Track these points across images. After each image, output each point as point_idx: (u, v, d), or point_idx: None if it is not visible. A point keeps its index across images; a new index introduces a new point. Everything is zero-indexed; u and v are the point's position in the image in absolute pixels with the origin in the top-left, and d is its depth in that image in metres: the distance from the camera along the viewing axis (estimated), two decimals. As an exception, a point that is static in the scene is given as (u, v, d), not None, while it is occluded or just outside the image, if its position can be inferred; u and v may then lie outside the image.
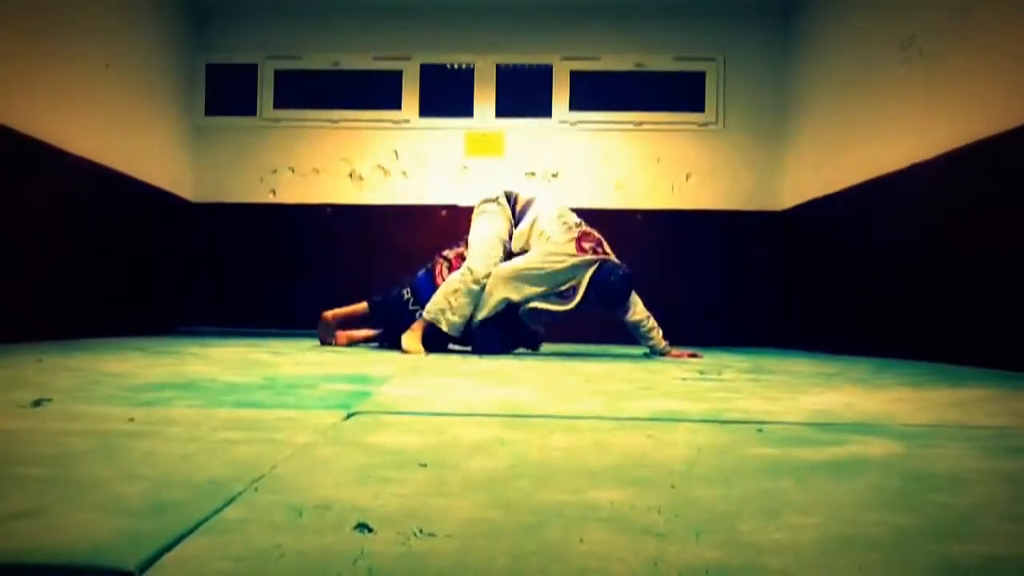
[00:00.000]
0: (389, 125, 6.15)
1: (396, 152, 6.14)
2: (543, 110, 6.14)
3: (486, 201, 4.18)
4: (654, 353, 4.03)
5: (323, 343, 4.27)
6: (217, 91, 6.18)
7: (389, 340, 4.18)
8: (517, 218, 4.08)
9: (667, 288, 5.97)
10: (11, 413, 1.39)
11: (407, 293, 4.14)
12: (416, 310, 4.03)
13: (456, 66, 6.20)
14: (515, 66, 6.18)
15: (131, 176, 5.10)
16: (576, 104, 6.13)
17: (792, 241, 5.80)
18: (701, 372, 2.89)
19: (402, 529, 0.71)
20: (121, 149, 4.98)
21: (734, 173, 6.07)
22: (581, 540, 0.69)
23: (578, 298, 3.86)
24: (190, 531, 0.69)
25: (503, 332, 4.03)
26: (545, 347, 4.50)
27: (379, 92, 6.16)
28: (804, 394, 2.07)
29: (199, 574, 0.59)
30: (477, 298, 3.90)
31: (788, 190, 5.92)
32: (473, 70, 6.18)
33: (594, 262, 3.86)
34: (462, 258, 4.08)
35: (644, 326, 4.01)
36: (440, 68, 6.19)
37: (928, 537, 0.72)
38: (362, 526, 0.71)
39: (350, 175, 6.14)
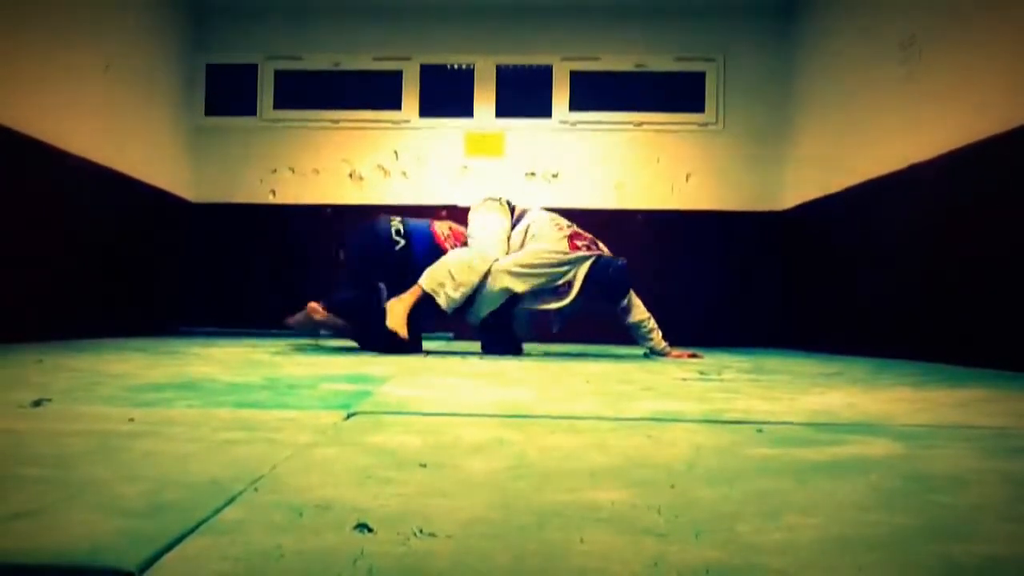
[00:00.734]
0: (389, 125, 6.15)
1: (396, 152, 6.14)
2: (543, 110, 6.14)
3: (489, 199, 4.18)
4: (654, 354, 4.03)
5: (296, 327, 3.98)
6: (217, 91, 6.18)
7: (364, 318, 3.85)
8: (513, 224, 4.09)
9: (667, 288, 5.97)
10: (11, 413, 1.39)
11: (398, 236, 3.88)
12: (399, 242, 3.84)
13: (456, 66, 6.20)
14: (515, 66, 6.18)
15: (131, 176, 5.10)
16: (576, 104, 6.13)
17: (792, 241, 5.80)
18: (701, 372, 2.89)
19: (402, 529, 0.71)
20: (121, 149, 4.98)
21: (734, 173, 6.07)
22: (581, 540, 0.69)
23: (574, 293, 3.84)
24: (190, 531, 0.69)
25: (506, 332, 4.01)
26: (545, 347, 4.50)
27: (379, 92, 6.16)
28: (804, 394, 2.07)
29: (199, 574, 0.59)
30: (480, 284, 3.80)
31: (788, 190, 5.92)
32: (473, 70, 6.18)
33: (589, 257, 3.87)
34: (458, 236, 4.00)
35: (645, 327, 4.00)
36: (440, 68, 6.19)
37: (928, 537, 0.72)
38: (362, 526, 0.71)
39: (350, 175, 6.14)
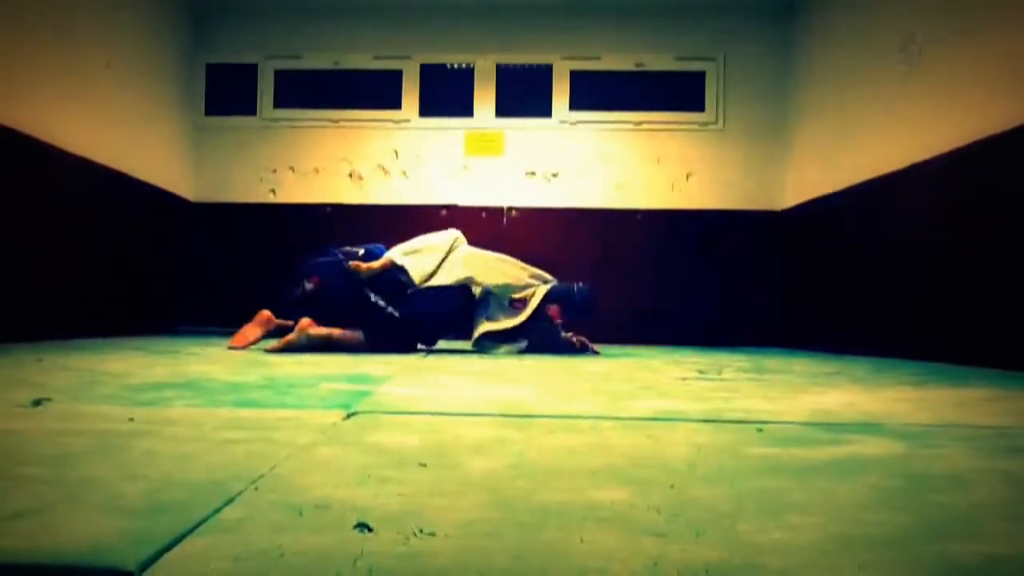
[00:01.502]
0: (389, 125, 6.15)
1: (396, 152, 6.14)
2: (543, 110, 6.14)
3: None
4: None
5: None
6: (217, 91, 6.18)
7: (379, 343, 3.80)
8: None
9: (667, 288, 5.98)
10: (11, 413, 1.39)
11: (347, 248, 3.99)
12: (357, 250, 3.95)
13: (456, 66, 6.20)
14: (515, 66, 6.18)
15: (131, 176, 5.10)
16: (576, 104, 6.12)
17: (792, 241, 5.80)
18: (701, 372, 2.89)
19: (402, 529, 0.71)
20: (121, 149, 4.98)
21: (734, 173, 6.07)
22: (581, 540, 0.69)
23: (529, 310, 3.98)
24: (190, 531, 0.69)
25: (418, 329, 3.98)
26: None
27: (379, 92, 6.16)
28: (804, 394, 2.07)
29: (199, 574, 0.59)
30: (438, 263, 3.96)
31: (788, 190, 5.92)
32: (473, 70, 6.17)
33: (549, 282, 4.12)
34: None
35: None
36: (440, 68, 6.19)
37: (928, 537, 0.72)
38: (362, 526, 0.71)
39: (350, 175, 6.14)
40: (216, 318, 6.00)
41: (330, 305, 3.77)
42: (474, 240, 4.40)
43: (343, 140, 6.16)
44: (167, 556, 0.62)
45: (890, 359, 4.04)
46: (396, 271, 3.87)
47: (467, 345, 4.14)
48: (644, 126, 6.11)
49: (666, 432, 1.34)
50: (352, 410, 1.53)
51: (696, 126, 6.10)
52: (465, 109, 6.15)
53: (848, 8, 5.08)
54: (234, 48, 6.17)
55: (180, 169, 5.92)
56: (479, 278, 3.97)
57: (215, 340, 4.66)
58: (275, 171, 6.15)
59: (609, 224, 6.04)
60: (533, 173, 6.12)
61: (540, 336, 4.09)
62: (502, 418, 1.48)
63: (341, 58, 6.16)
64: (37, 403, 1.50)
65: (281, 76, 6.17)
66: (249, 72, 6.17)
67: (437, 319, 3.93)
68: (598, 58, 6.12)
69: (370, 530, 0.70)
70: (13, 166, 3.89)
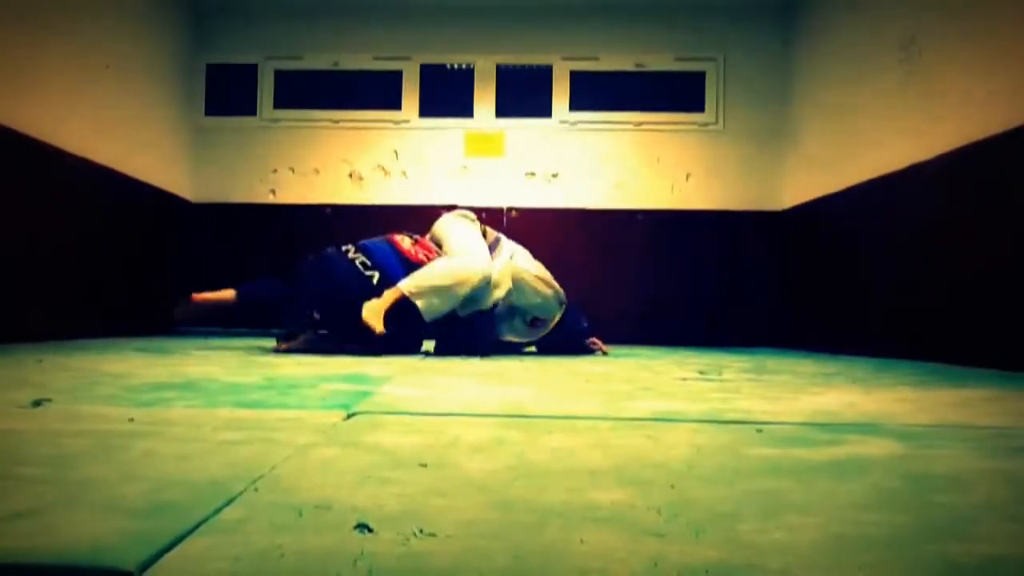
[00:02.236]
0: (389, 125, 6.15)
1: (396, 152, 6.14)
2: (543, 110, 6.14)
3: (456, 214, 4.00)
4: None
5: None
6: (217, 91, 6.18)
7: (338, 328, 3.49)
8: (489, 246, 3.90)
9: (667, 288, 5.98)
10: (11, 413, 1.39)
11: (368, 270, 3.49)
12: (372, 275, 3.46)
13: (456, 66, 6.20)
14: (515, 66, 6.18)
15: (131, 176, 5.10)
16: (576, 104, 6.13)
17: (792, 241, 5.80)
18: (701, 372, 2.89)
19: (402, 529, 0.71)
20: (121, 149, 4.98)
21: (734, 173, 6.07)
22: (581, 540, 0.69)
23: (544, 332, 3.95)
24: (190, 531, 0.68)
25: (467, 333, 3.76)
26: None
27: (379, 92, 6.16)
28: (804, 394, 2.07)
29: (199, 574, 0.59)
30: (473, 299, 3.60)
31: (788, 190, 5.92)
32: (473, 70, 6.17)
33: (564, 302, 3.99)
34: (427, 249, 3.71)
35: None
36: (440, 68, 6.19)
37: (928, 537, 0.72)
38: (362, 526, 0.71)
39: (350, 175, 6.14)
40: (216, 319, 5.99)
41: (336, 330, 3.56)
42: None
43: (343, 140, 6.16)
44: (167, 556, 0.62)
45: (890, 359, 4.04)
46: (406, 301, 3.45)
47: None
48: (644, 126, 6.11)
49: (666, 432, 1.34)
50: (352, 410, 1.53)
51: (696, 126, 6.10)
52: (465, 109, 6.16)
53: (848, 8, 5.08)
54: (234, 48, 6.17)
55: (180, 169, 5.92)
56: (515, 302, 3.79)
57: (215, 340, 4.66)
58: (275, 171, 6.15)
59: (609, 224, 6.04)
60: (533, 174, 6.12)
61: (562, 337, 4.01)
62: (502, 418, 1.48)
63: (341, 58, 6.16)
64: (37, 403, 1.50)
65: (281, 76, 6.18)
66: (249, 72, 6.17)
67: (449, 336, 3.75)
68: (598, 58, 6.12)
69: (370, 530, 0.70)
70: (13, 166, 3.88)
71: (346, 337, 3.50)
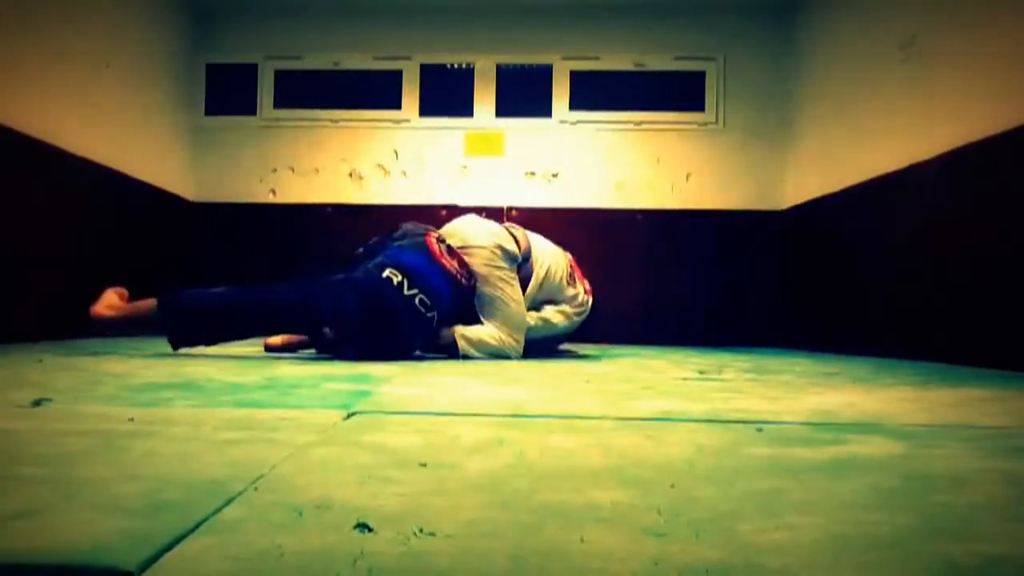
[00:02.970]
0: (389, 125, 6.15)
1: (396, 152, 6.14)
2: (543, 110, 6.14)
3: (504, 254, 3.59)
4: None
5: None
6: (217, 91, 6.18)
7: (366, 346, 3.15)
8: (520, 267, 3.71)
9: (666, 288, 5.98)
10: (11, 413, 1.39)
11: (394, 275, 3.12)
12: (413, 295, 3.10)
13: (456, 66, 6.20)
14: (515, 66, 6.18)
15: (131, 176, 5.10)
16: (576, 104, 6.12)
17: (792, 241, 5.80)
18: (701, 372, 2.89)
19: (402, 529, 0.71)
20: (121, 149, 4.98)
21: (734, 173, 6.07)
22: (581, 540, 0.69)
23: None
24: (190, 531, 0.68)
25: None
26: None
27: (379, 92, 6.16)
28: (804, 394, 2.07)
29: (199, 574, 0.59)
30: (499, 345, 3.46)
31: (788, 190, 5.92)
32: (473, 70, 6.17)
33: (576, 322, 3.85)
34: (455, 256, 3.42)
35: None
36: (440, 68, 6.19)
37: (928, 537, 0.72)
38: (362, 526, 0.71)
39: (350, 175, 6.14)
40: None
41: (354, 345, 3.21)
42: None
43: (343, 140, 6.16)
44: (167, 556, 0.62)
45: (890, 359, 4.04)
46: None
47: None
48: (644, 126, 6.11)
49: (666, 432, 1.34)
50: (352, 410, 1.53)
51: (696, 126, 6.10)
52: (465, 109, 6.15)
53: (849, 8, 5.08)
54: (234, 48, 6.17)
55: (180, 169, 5.92)
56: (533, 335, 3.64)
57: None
58: (275, 171, 6.15)
59: (609, 224, 6.04)
60: (533, 173, 6.12)
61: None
62: (502, 418, 1.48)
63: (341, 58, 6.16)
64: (37, 403, 1.50)
65: (281, 76, 6.18)
66: (249, 72, 6.17)
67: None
68: (598, 58, 6.12)
69: (370, 530, 0.70)
70: (11, 166, 3.89)
71: (357, 349, 3.19)
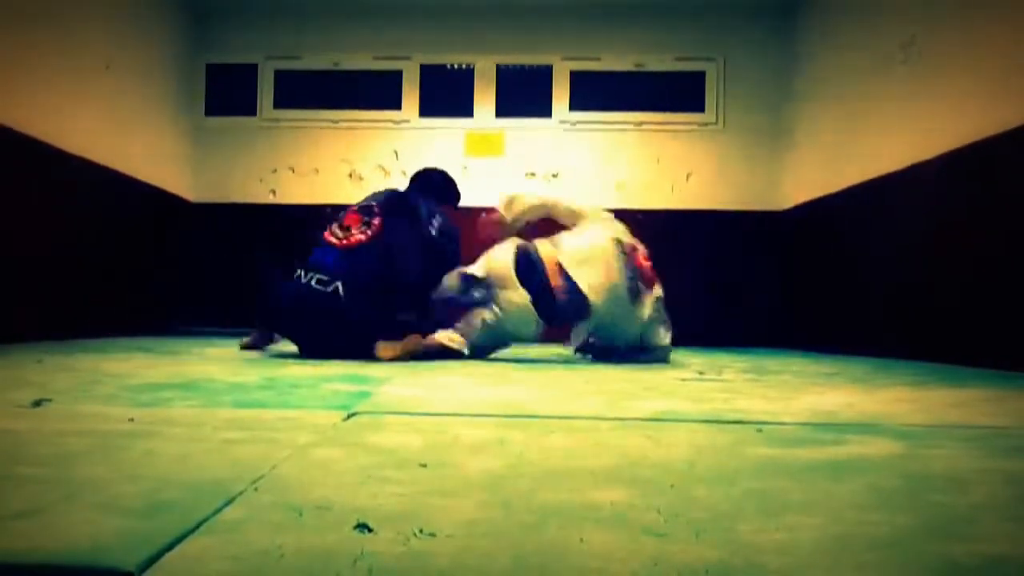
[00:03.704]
0: (389, 125, 6.15)
1: (396, 152, 6.14)
2: (543, 110, 6.14)
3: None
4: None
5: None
6: (217, 91, 6.18)
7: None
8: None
9: (666, 288, 5.96)
10: (11, 413, 1.39)
11: (316, 282, 3.19)
12: (335, 287, 3.14)
13: (456, 66, 6.20)
14: (515, 66, 6.18)
15: (131, 176, 5.10)
16: (576, 104, 6.12)
17: (792, 241, 5.80)
18: (701, 372, 2.89)
19: (402, 529, 0.71)
20: (121, 149, 4.98)
21: (734, 173, 6.07)
22: (581, 540, 0.69)
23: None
24: (190, 531, 0.68)
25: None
26: (544, 346, 4.47)
27: (379, 92, 6.16)
28: (804, 394, 2.07)
29: (199, 574, 0.59)
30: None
31: (788, 190, 5.92)
32: (473, 70, 6.17)
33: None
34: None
35: None
36: (440, 68, 6.19)
37: (928, 537, 0.72)
38: (362, 526, 0.71)
39: (350, 175, 6.14)
40: (216, 318, 6.00)
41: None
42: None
43: (343, 140, 6.16)
44: (167, 556, 0.62)
45: (889, 359, 4.04)
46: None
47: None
48: (644, 126, 6.11)
49: (666, 432, 1.34)
50: (352, 410, 1.53)
51: (696, 126, 6.10)
52: (465, 110, 6.15)
53: (848, 8, 5.08)
54: (234, 48, 6.17)
55: (180, 169, 5.92)
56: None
57: (215, 340, 4.66)
58: (275, 171, 6.15)
59: (609, 224, 6.03)
60: (533, 174, 6.12)
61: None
62: (502, 418, 1.48)
63: (341, 59, 6.16)
64: (37, 403, 1.50)
65: (281, 76, 6.18)
66: (249, 72, 6.17)
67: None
68: (598, 58, 6.12)
69: (370, 530, 0.70)
70: (12, 166, 3.88)
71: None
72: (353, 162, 6.14)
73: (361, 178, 6.13)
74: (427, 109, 6.14)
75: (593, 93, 6.13)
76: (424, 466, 1.00)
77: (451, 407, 1.65)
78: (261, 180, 6.15)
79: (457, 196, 3.97)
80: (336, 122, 6.16)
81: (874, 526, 0.76)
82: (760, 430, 1.37)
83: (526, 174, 6.11)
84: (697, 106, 6.10)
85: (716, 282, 6.03)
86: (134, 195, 5.16)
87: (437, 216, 3.57)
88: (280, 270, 3.53)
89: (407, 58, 6.15)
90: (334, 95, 6.18)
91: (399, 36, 6.14)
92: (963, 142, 3.73)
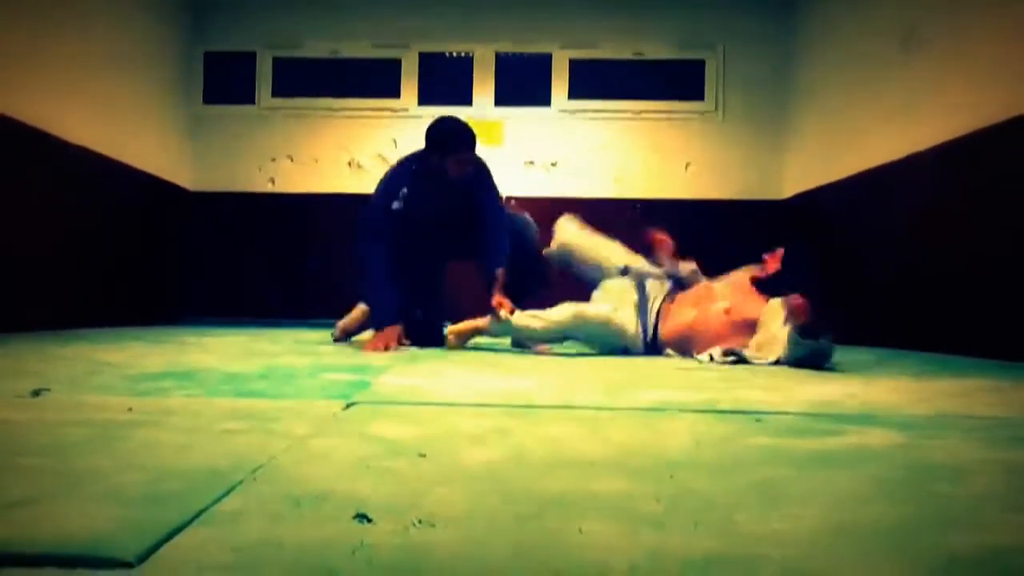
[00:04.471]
0: (388, 114, 6.13)
1: (395, 141, 6.12)
2: (542, 99, 6.12)
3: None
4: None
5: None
6: (216, 79, 6.15)
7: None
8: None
9: (666, 278, 5.97)
10: (10, 403, 1.39)
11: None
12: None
13: (455, 54, 6.17)
14: (514, 55, 6.15)
15: (130, 165, 5.09)
16: (575, 93, 6.10)
17: (792, 230, 5.79)
18: (700, 362, 2.89)
19: (401, 519, 0.71)
20: (120, 138, 4.96)
21: (734, 162, 6.06)
22: (580, 530, 0.69)
23: None
24: (189, 521, 0.68)
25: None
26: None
27: (378, 80, 6.13)
28: (804, 384, 2.07)
29: (198, 564, 0.59)
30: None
31: (788, 179, 5.91)
32: (472, 59, 6.15)
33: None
34: None
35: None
36: (439, 56, 6.16)
37: (928, 528, 0.72)
38: (361, 516, 0.71)
39: (349, 164, 6.12)
40: (215, 308, 6.00)
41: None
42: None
43: (342, 129, 6.14)
44: (166, 547, 0.62)
45: (890, 349, 4.04)
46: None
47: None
48: (643, 115, 6.09)
49: (665, 422, 1.34)
50: (351, 400, 1.52)
51: (695, 115, 6.08)
52: (464, 98, 6.13)
53: (849, -3, 5.06)
54: (232, 36, 6.14)
55: (178, 158, 5.91)
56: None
57: (214, 330, 4.66)
58: (274, 160, 6.13)
59: (608, 214, 6.02)
60: (532, 162, 6.10)
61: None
62: (501, 408, 1.48)
63: (340, 47, 6.13)
64: (36, 393, 1.50)
65: (279, 64, 6.15)
66: (247, 61, 6.14)
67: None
68: (598, 47, 6.09)
69: (369, 520, 0.70)
70: (12, 155, 3.87)
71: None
72: (352, 150, 6.12)
73: (360, 166, 6.12)
74: (426, 97, 6.12)
75: (592, 82, 6.10)
76: (423, 456, 1.00)
77: (450, 397, 1.65)
78: (260, 169, 6.13)
79: (462, 141, 3.94)
80: (335, 110, 6.14)
81: (875, 516, 0.76)
82: (760, 420, 1.37)
83: (525, 163, 6.10)
84: (696, 95, 6.08)
85: (715, 271, 6.02)
86: (132, 184, 5.15)
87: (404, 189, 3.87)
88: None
89: (406, 46, 6.12)
90: (333, 83, 6.15)
91: (398, 24, 6.11)
92: (962, 131, 3.72)
